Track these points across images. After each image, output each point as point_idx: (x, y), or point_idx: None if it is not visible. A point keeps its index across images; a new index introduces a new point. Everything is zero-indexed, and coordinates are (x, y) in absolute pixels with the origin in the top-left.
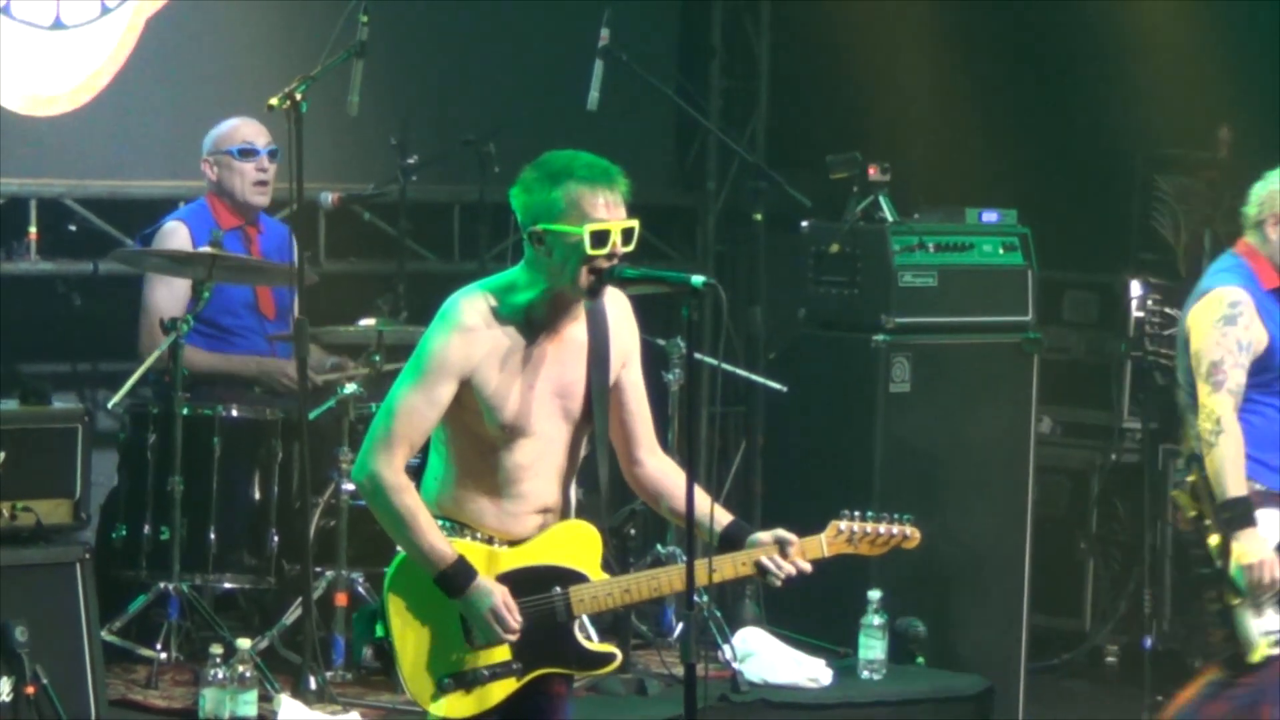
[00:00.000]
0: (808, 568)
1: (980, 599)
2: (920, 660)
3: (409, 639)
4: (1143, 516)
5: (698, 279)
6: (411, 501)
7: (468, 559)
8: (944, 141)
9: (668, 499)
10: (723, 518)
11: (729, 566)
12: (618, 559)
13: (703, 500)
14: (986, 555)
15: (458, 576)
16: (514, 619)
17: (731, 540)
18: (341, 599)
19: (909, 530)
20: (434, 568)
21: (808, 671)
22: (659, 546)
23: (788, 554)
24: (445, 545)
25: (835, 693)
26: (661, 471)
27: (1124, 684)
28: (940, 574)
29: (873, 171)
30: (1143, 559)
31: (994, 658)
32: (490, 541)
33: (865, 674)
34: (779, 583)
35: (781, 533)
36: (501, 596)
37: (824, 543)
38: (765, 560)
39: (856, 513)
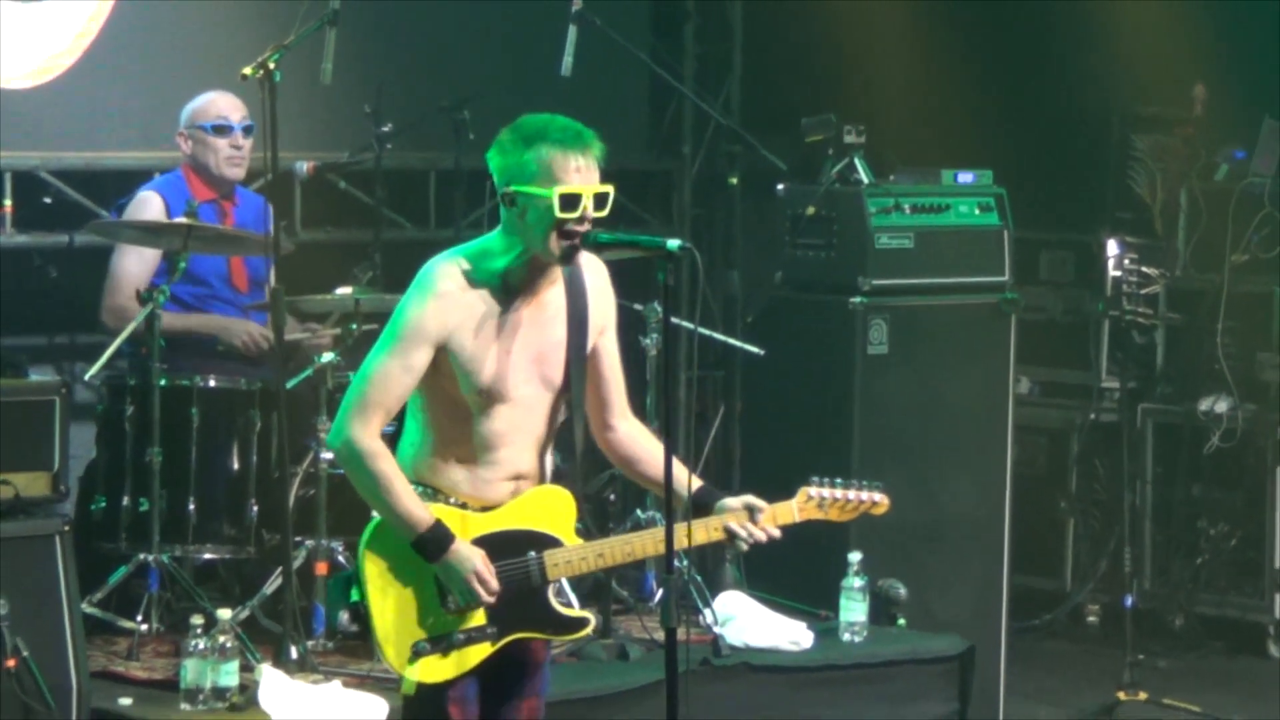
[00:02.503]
0: (776, 533)
1: (960, 560)
2: (901, 622)
3: (384, 604)
4: (1122, 475)
5: (673, 243)
6: (387, 467)
7: (445, 523)
8: (919, 103)
9: (640, 464)
10: (693, 483)
11: (700, 532)
12: (597, 524)
13: (675, 467)
14: (966, 516)
15: (435, 541)
16: (493, 583)
17: (701, 505)
18: (321, 568)
19: (878, 496)
20: (411, 532)
21: (789, 634)
22: (639, 512)
23: (757, 520)
24: (422, 510)
25: (816, 655)
26: (633, 437)
27: (1105, 643)
28: (920, 535)
29: (848, 134)
30: (1122, 518)
31: (975, 618)
32: (464, 507)
33: (846, 636)
34: (745, 548)
35: (751, 498)
36: (481, 559)
37: (795, 509)
38: (734, 525)
39: (826, 479)
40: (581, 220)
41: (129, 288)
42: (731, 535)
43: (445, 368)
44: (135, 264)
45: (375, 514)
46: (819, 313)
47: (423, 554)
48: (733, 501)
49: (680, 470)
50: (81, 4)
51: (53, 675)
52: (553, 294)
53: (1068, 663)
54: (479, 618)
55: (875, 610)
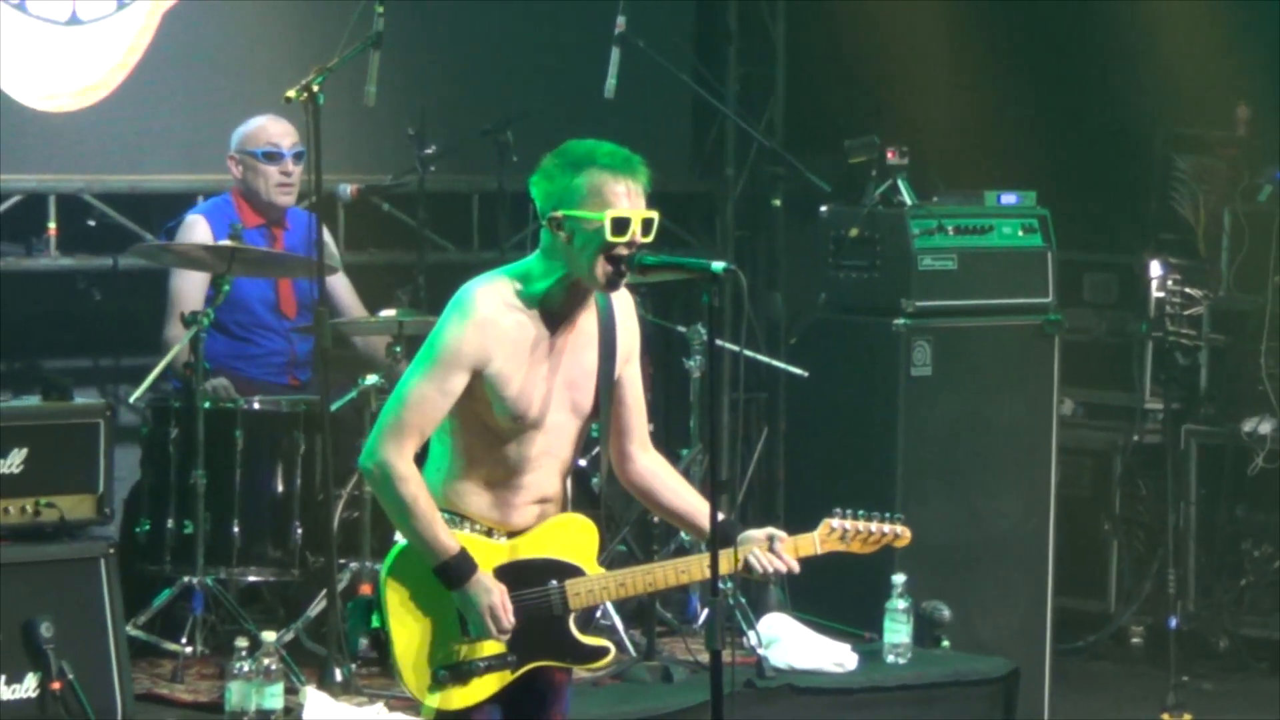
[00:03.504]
0: (795, 565)
1: (1004, 582)
2: (945, 644)
3: (405, 629)
4: (1166, 497)
5: (718, 265)
6: (417, 491)
7: (469, 553)
8: (962, 124)
9: (661, 495)
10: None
11: (723, 563)
12: (641, 546)
13: (696, 498)
14: (1010, 538)
15: (458, 569)
16: (508, 618)
17: (722, 538)
18: (366, 590)
19: (900, 529)
20: (435, 558)
21: (833, 656)
22: (683, 535)
23: (776, 549)
24: (448, 537)
25: (860, 677)
26: (653, 470)
27: (1149, 665)
28: (964, 557)
29: (891, 155)
30: (1166, 539)
31: (1019, 640)
32: (490, 534)
33: (890, 658)
34: (761, 578)
35: (773, 530)
36: (500, 594)
37: (817, 541)
38: (752, 558)
39: (849, 511)
40: (629, 245)
41: (179, 312)
42: (748, 567)
43: (479, 392)
44: (187, 287)
45: (399, 539)
46: (862, 334)
47: (444, 581)
48: (756, 533)
49: (700, 502)
50: (125, 27)
51: (98, 698)
52: (586, 321)
53: (1112, 684)
54: (499, 646)
55: (919, 632)
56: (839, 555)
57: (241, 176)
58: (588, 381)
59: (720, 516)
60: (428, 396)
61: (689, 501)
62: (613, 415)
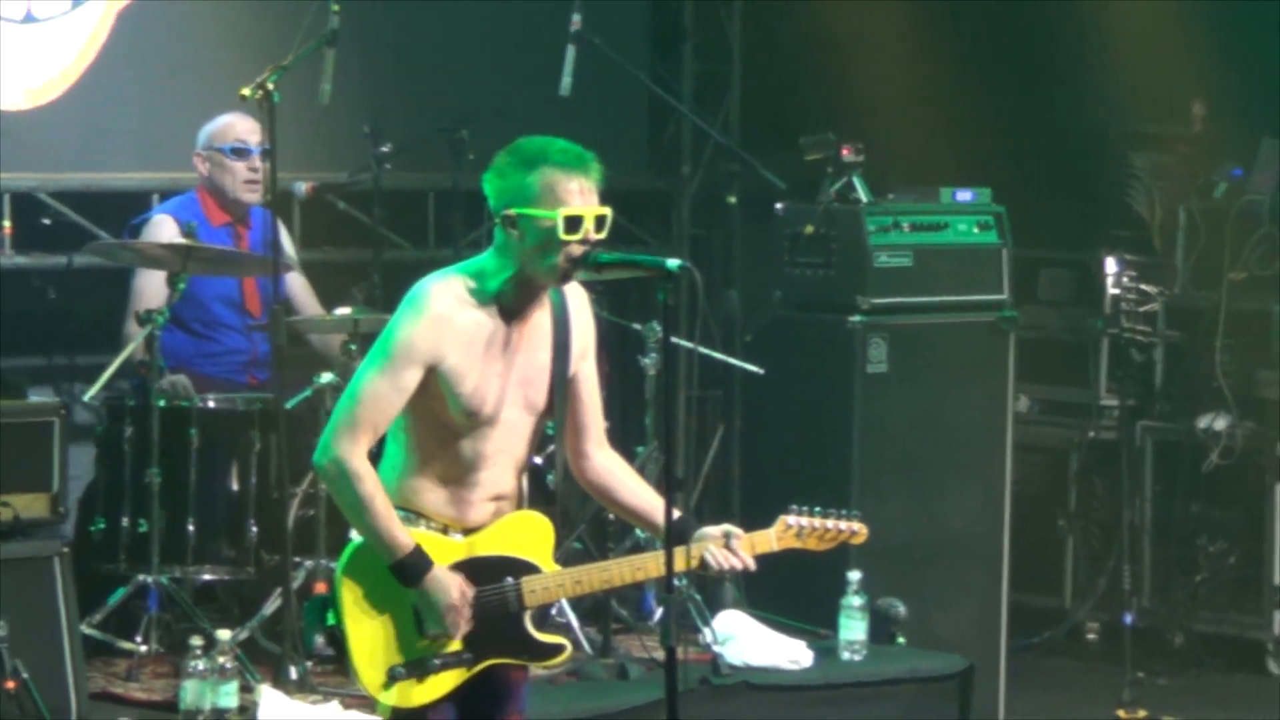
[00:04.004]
0: (751, 563)
1: (960, 578)
2: (900, 640)
3: (360, 627)
4: (1121, 493)
5: (673, 262)
6: (373, 488)
7: (424, 550)
8: (917, 121)
9: (617, 493)
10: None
11: (677, 560)
12: (596, 544)
13: (653, 495)
14: (965, 534)
15: (414, 566)
16: (466, 612)
17: (678, 535)
18: (321, 588)
19: (856, 526)
20: (390, 555)
21: (788, 653)
22: (638, 532)
23: (732, 546)
24: (403, 534)
25: (816, 674)
26: (609, 468)
27: (1105, 661)
28: (920, 554)
29: (846, 152)
30: (1122, 536)
31: (974, 637)
32: (445, 531)
33: (846, 655)
34: (720, 576)
35: (729, 527)
36: (458, 590)
37: (773, 538)
38: (708, 555)
39: (805, 508)
40: (583, 242)
41: (140, 309)
42: (704, 564)
43: (434, 389)
44: (148, 286)
45: (353, 537)
46: (818, 332)
47: (400, 579)
48: (712, 530)
49: (657, 499)
50: (81, 25)
51: (52, 697)
52: (540, 317)
53: (1067, 680)
54: (455, 643)
55: (875, 629)
56: (794, 552)
57: (208, 174)
58: (542, 378)
59: (676, 514)
60: (381, 392)
61: (645, 499)
62: (569, 412)
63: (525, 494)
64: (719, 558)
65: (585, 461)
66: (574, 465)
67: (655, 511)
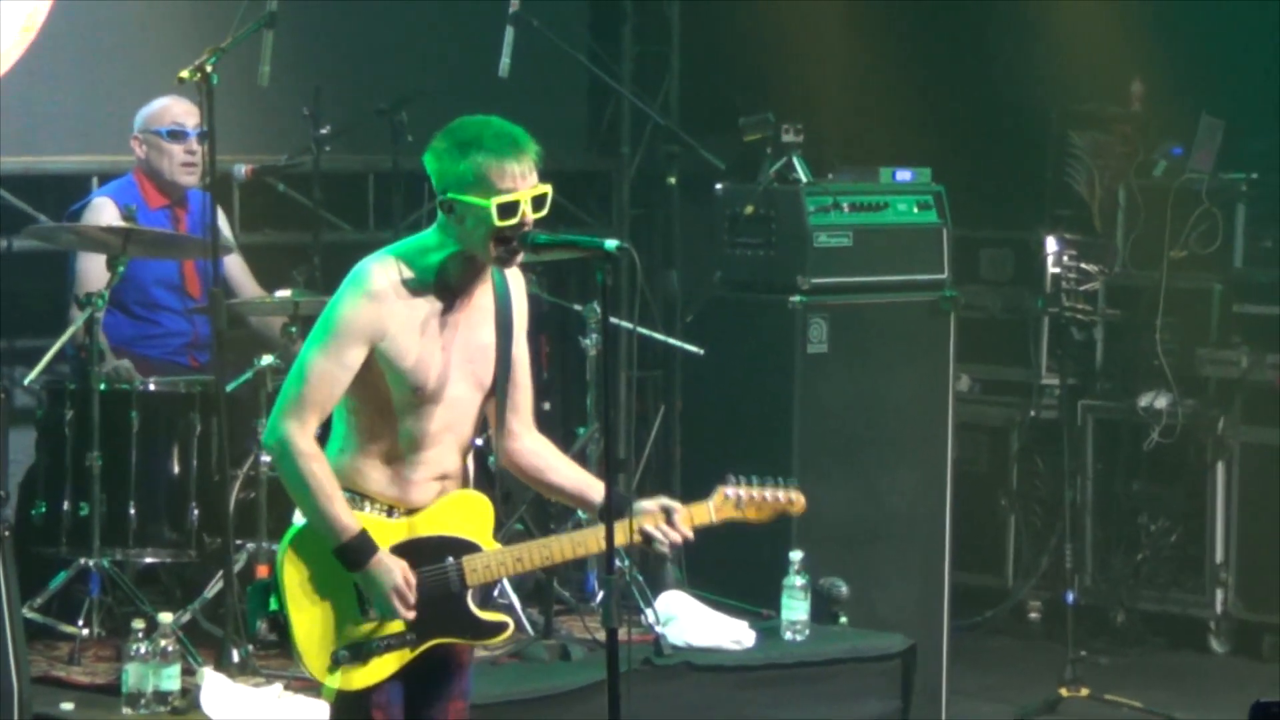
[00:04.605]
0: (690, 535)
1: (902, 558)
2: (843, 620)
3: (303, 611)
4: (1062, 472)
5: (611, 243)
6: (320, 469)
7: (369, 534)
8: (857, 101)
9: (548, 473)
10: (599, 492)
11: (617, 535)
12: (538, 524)
13: (583, 474)
14: (907, 514)
15: (359, 550)
16: (411, 597)
17: (615, 511)
18: (263, 571)
19: (794, 495)
20: (336, 538)
21: (731, 634)
22: (580, 513)
23: (673, 521)
24: (349, 518)
25: (758, 654)
26: (536, 450)
27: (1047, 640)
28: (861, 533)
29: (786, 132)
30: (1063, 514)
31: (917, 616)
32: (390, 512)
33: (788, 635)
34: (663, 550)
35: (666, 500)
36: (402, 573)
37: (711, 509)
38: (650, 528)
39: (743, 478)
40: (519, 226)
41: (81, 293)
42: (648, 538)
43: (376, 366)
44: (91, 269)
45: (295, 521)
46: (758, 312)
47: (345, 563)
48: (648, 504)
49: (589, 478)
50: (18, 6)
51: None
52: (482, 296)
53: (1010, 659)
54: (398, 624)
55: (817, 609)
56: (736, 531)
57: (145, 156)
58: (485, 356)
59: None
60: (326, 371)
61: (577, 478)
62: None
63: (470, 475)
64: (661, 531)
65: (515, 442)
66: (501, 445)
67: (588, 489)
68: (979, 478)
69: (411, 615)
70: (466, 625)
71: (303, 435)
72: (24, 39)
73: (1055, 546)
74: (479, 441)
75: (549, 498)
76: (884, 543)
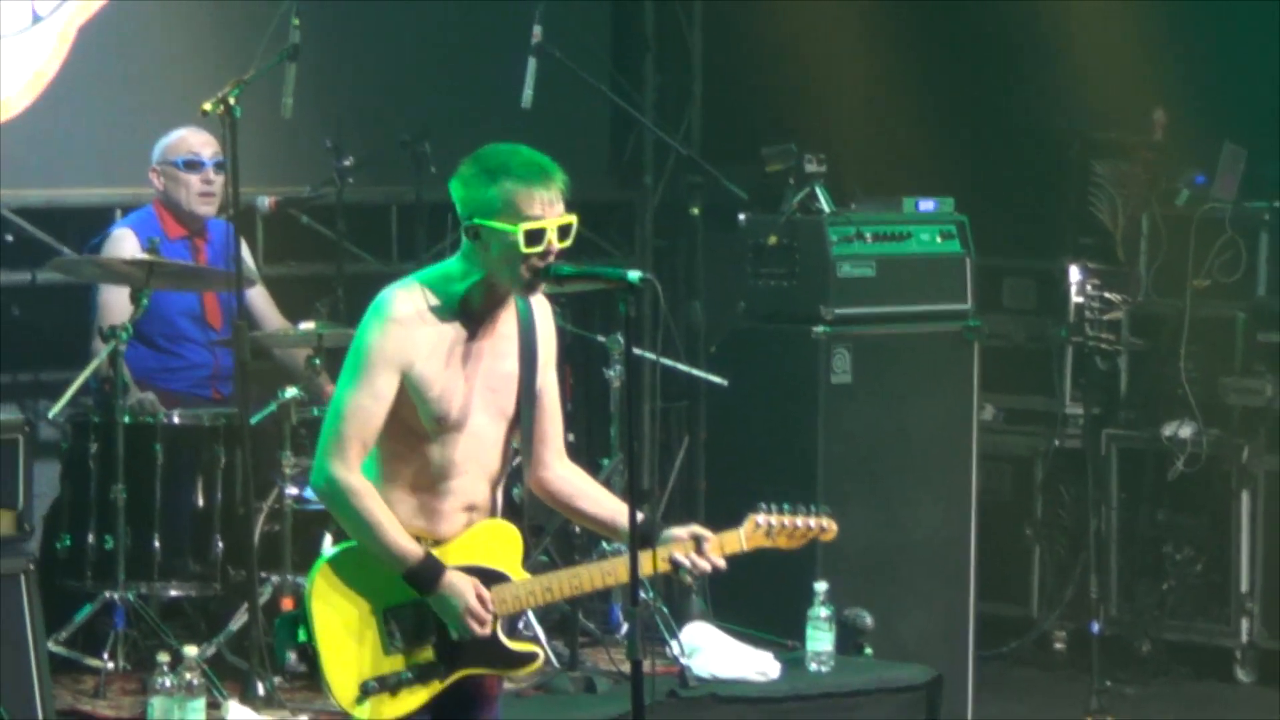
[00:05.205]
0: (721, 564)
1: (927, 588)
2: (868, 651)
3: (332, 642)
4: (1087, 501)
5: (634, 274)
6: (372, 504)
7: (434, 554)
8: (879, 131)
9: (580, 501)
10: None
11: (646, 563)
12: (562, 555)
13: (615, 501)
14: (932, 544)
15: (427, 572)
16: (486, 614)
17: (644, 538)
18: (288, 603)
19: (825, 522)
20: (401, 565)
21: (755, 665)
22: (604, 543)
23: (703, 549)
24: (410, 542)
25: (783, 685)
26: (568, 479)
27: (1072, 670)
28: (886, 564)
29: (809, 163)
30: (1088, 544)
31: (942, 647)
32: (417, 541)
33: (813, 666)
34: (689, 580)
35: (696, 528)
36: (474, 589)
37: (742, 537)
38: (679, 556)
39: (774, 505)
40: (545, 254)
41: (104, 325)
42: (676, 566)
43: (404, 395)
44: (114, 301)
45: (324, 551)
46: (782, 342)
47: (416, 586)
48: (679, 532)
49: (620, 505)
50: (41, 42)
51: (20, 715)
52: (506, 325)
53: (1035, 690)
54: (427, 655)
55: (842, 640)
56: (762, 560)
57: (163, 188)
58: (509, 386)
59: (639, 517)
60: (361, 405)
61: (609, 507)
62: (533, 423)
63: (499, 506)
64: (691, 559)
65: (546, 472)
66: (534, 476)
67: (620, 518)
68: (1003, 507)
69: (488, 631)
70: (496, 656)
71: (349, 473)
72: (45, 74)
73: (1080, 576)
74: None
75: (580, 525)
76: (909, 573)
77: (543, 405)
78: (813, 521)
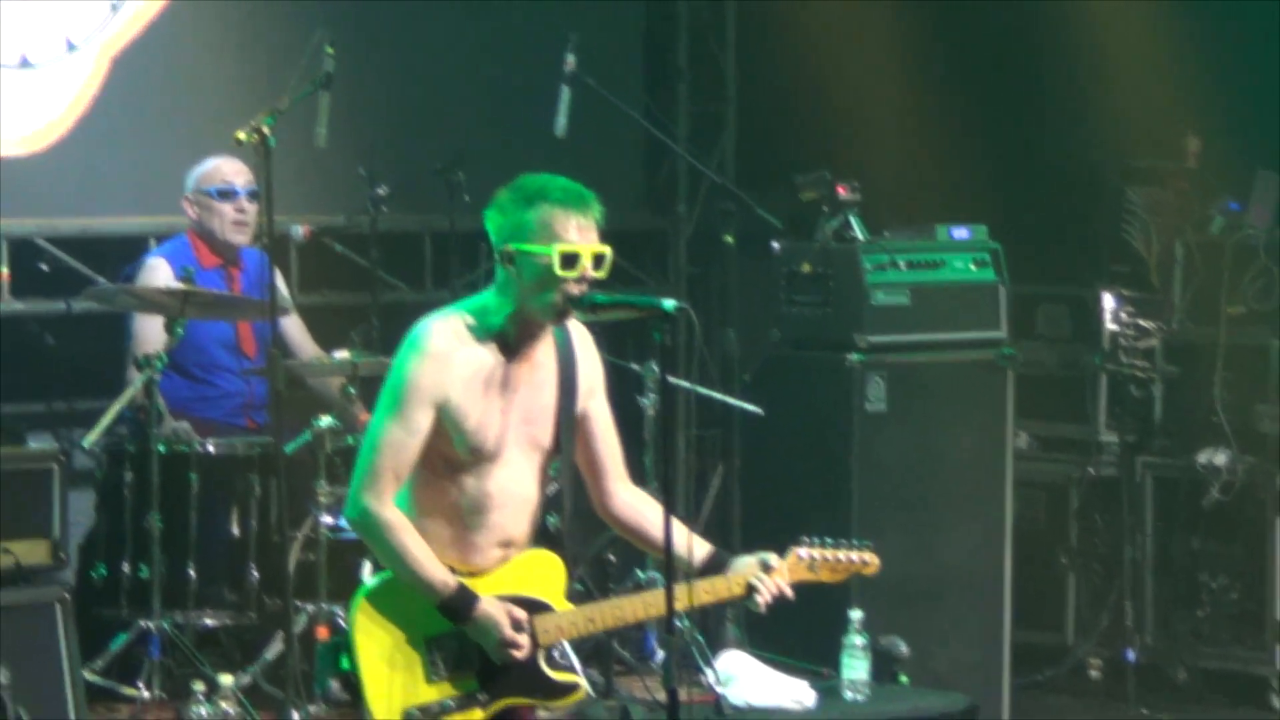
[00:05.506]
0: (790, 592)
1: (962, 616)
2: (903, 679)
3: (374, 670)
4: (1122, 529)
5: (669, 303)
6: (406, 537)
7: (467, 585)
8: (913, 158)
9: (645, 529)
10: (703, 547)
11: (722, 586)
12: (597, 585)
13: (681, 531)
14: (967, 572)
15: (460, 603)
16: (522, 639)
17: (716, 569)
18: (323, 632)
19: (868, 556)
20: (436, 596)
21: (791, 693)
22: (638, 572)
23: (771, 574)
24: (444, 573)
25: (819, 714)
26: (633, 505)
27: (1108, 698)
28: (921, 592)
29: (842, 190)
30: (1123, 572)
31: (977, 675)
32: (451, 571)
33: (849, 694)
34: (763, 604)
35: (765, 555)
36: (508, 617)
37: (785, 570)
38: (754, 579)
39: (816, 539)
40: (580, 280)
41: (139, 354)
42: (751, 589)
43: (440, 427)
44: (148, 330)
45: (365, 579)
46: (816, 370)
47: (450, 617)
48: (750, 559)
49: (686, 534)
50: (76, 70)
51: None
52: (543, 356)
53: (1071, 718)
54: (469, 684)
55: (877, 668)
56: (797, 588)
57: (197, 217)
58: (546, 417)
59: (710, 548)
60: (396, 438)
61: (676, 536)
62: (585, 453)
63: (536, 538)
64: (766, 585)
65: (611, 500)
66: (600, 507)
67: (685, 546)
68: (1038, 535)
69: (524, 655)
70: (538, 685)
71: (383, 505)
72: (80, 103)
73: (1115, 604)
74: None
75: (650, 554)
76: (944, 601)
77: (593, 432)
78: (855, 555)
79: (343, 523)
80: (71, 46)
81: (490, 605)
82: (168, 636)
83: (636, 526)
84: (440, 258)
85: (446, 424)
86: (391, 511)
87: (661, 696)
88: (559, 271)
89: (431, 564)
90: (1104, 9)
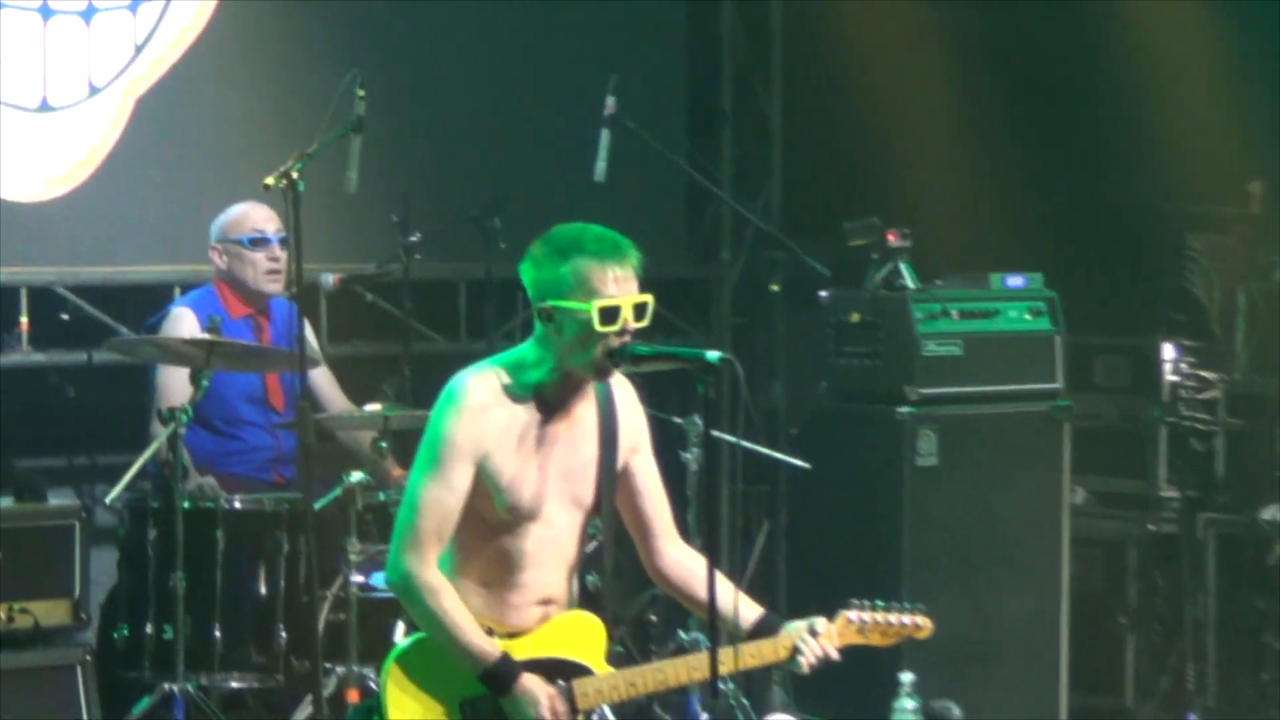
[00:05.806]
0: (835, 655)
1: (1017, 678)
2: None
3: None
4: (1182, 588)
5: (713, 354)
6: (447, 602)
7: (511, 656)
8: (965, 204)
9: (693, 590)
10: (753, 610)
11: (768, 649)
12: (638, 646)
13: (730, 592)
14: (1022, 632)
15: (502, 675)
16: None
17: (766, 633)
18: (353, 695)
19: (920, 620)
20: (477, 666)
21: None
22: (681, 633)
23: (817, 638)
24: (486, 643)
25: None
26: (683, 564)
27: None
28: (974, 653)
29: (892, 237)
30: (1184, 633)
31: None
32: (489, 634)
33: None
34: (806, 665)
35: (815, 620)
36: (546, 696)
37: (834, 633)
38: (799, 641)
39: (866, 601)
40: (621, 333)
41: (163, 407)
42: (796, 651)
43: (478, 484)
44: (172, 382)
45: (397, 640)
46: (865, 424)
47: (490, 687)
48: (799, 624)
49: (742, 596)
50: (98, 114)
51: None
52: (584, 411)
53: None
54: None
55: None
56: (845, 649)
57: (226, 266)
58: (587, 473)
59: (761, 610)
60: (436, 497)
61: (724, 596)
62: (630, 510)
63: (575, 598)
64: (811, 647)
65: (659, 559)
66: (648, 564)
67: (740, 610)
68: (1095, 595)
69: None
70: None
71: (424, 569)
72: (102, 149)
73: (1176, 666)
74: None
75: (697, 614)
76: (997, 663)
77: (638, 489)
78: (907, 619)
79: (373, 581)
80: (94, 89)
81: (532, 682)
82: (192, 700)
83: (686, 587)
84: (475, 307)
85: (485, 481)
86: (434, 575)
87: None
88: (599, 327)
89: (474, 631)
90: (1164, 52)
